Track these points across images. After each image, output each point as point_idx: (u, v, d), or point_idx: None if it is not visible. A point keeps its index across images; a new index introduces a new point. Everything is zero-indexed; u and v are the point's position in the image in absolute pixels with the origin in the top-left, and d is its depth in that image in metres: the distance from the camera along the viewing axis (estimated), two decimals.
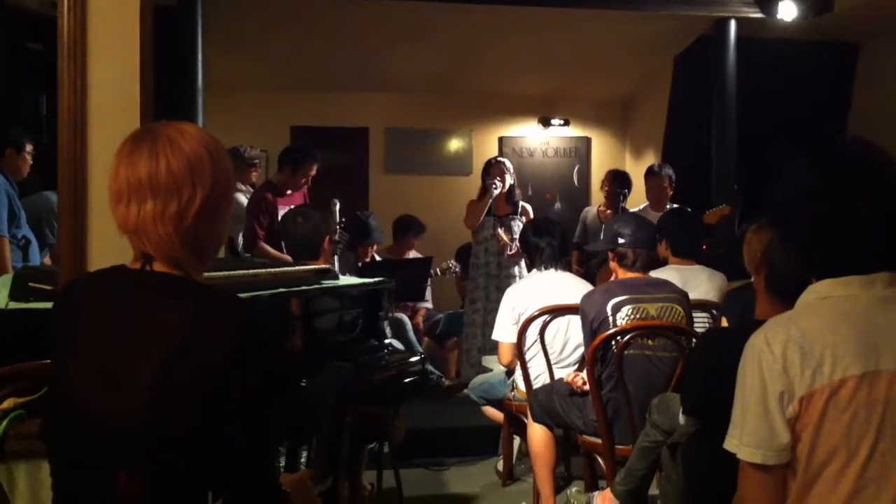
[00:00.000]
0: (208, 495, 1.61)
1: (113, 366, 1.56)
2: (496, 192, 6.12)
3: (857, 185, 1.65)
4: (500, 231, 6.12)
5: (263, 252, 5.39)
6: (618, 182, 6.78)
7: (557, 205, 7.23)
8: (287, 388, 2.98)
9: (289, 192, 5.73)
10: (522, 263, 5.95)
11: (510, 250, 6.05)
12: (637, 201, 7.00)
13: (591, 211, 7.21)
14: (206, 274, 1.85)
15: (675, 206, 6.14)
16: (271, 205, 5.60)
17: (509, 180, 6.21)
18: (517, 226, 6.09)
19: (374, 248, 6.96)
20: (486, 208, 6.16)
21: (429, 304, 7.28)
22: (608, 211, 6.73)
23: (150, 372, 1.52)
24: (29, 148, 5.13)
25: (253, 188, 6.33)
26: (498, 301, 4.84)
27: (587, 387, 3.85)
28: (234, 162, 6.20)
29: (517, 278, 5.96)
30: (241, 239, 5.79)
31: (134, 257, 1.65)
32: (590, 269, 6.01)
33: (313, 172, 5.75)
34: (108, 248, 2.50)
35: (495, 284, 6.09)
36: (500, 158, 6.47)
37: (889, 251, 1.66)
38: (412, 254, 7.38)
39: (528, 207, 6.34)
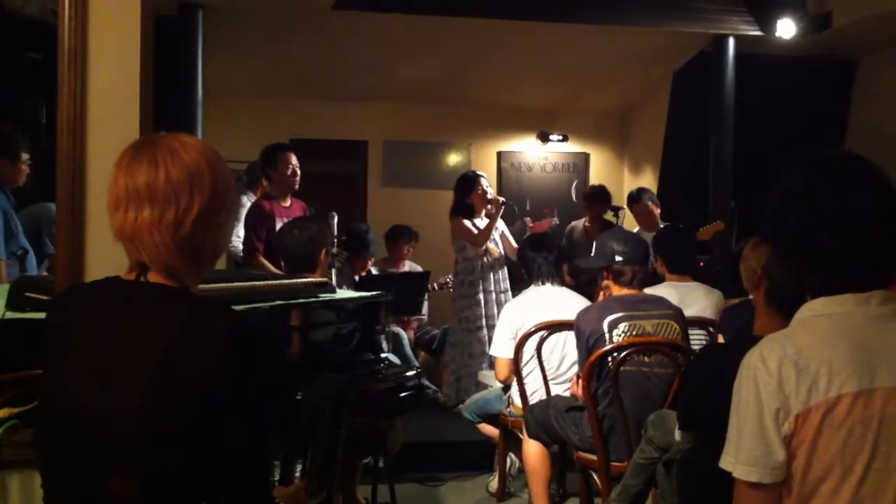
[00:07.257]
0: None
1: (108, 365, 1.56)
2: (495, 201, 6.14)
3: (847, 184, 1.66)
4: (491, 244, 6.14)
5: (261, 266, 5.36)
6: (604, 198, 6.93)
7: (555, 220, 7.23)
8: (283, 398, 2.98)
9: (287, 204, 5.65)
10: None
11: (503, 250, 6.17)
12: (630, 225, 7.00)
13: (577, 226, 7.23)
14: (202, 286, 1.84)
15: (668, 224, 6.13)
16: (269, 215, 5.55)
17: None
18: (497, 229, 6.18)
19: (371, 261, 6.96)
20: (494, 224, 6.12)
21: (424, 318, 7.26)
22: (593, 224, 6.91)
23: (146, 372, 1.53)
24: (25, 157, 5.10)
25: None
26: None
27: None
28: (252, 175, 6.23)
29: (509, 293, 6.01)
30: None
31: (129, 267, 1.65)
32: (581, 284, 6.01)
33: (294, 161, 5.58)
34: (105, 255, 2.49)
35: (494, 301, 6.08)
36: (480, 172, 6.47)
37: (881, 264, 1.66)
38: (409, 266, 7.37)
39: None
